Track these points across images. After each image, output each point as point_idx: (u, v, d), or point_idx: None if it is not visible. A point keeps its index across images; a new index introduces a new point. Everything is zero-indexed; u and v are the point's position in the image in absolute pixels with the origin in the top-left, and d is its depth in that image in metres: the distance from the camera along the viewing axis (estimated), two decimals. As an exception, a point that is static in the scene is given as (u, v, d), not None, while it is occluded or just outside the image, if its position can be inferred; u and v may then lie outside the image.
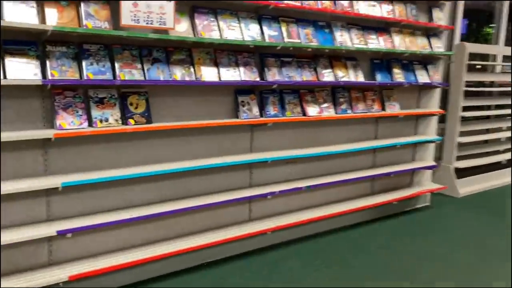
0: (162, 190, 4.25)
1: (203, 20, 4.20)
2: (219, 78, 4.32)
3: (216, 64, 4.34)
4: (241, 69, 4.48)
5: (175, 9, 3.85)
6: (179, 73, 4.08)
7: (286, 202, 5.13)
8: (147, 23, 3.72)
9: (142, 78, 3.86)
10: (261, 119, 4.63)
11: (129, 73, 3.81)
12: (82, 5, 3.56)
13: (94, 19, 3.60)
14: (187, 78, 4.11)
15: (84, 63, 3.61)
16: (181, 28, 4.09)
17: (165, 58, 4.04)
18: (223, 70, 4.36)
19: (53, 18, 3.42)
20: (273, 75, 4.70)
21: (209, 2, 4.26)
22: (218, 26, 4.28)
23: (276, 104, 4.81)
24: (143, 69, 3.90)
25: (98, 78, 3.63)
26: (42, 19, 3.40)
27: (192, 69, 4.17)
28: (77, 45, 3.63)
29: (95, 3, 3.62)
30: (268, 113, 4.72)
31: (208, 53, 4.31)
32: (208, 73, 4.25)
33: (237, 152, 4.70)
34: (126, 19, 3.62)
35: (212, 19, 4.26)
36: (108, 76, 3.69)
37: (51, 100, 3.56)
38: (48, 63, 3.45)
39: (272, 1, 4.51)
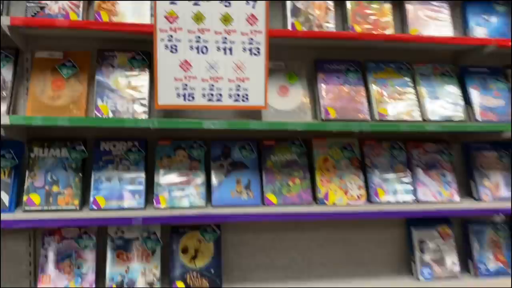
0: None
1: (334, 85, 2.14)
2: (369, 197, 2.12)
3: (363, 168, 2.17)
4: (421, 176, 2.18)
5: (268, 67, 1.92)
6: (280, 189, 2.07)
7: None
8: (209, 100, 1.88)
9: (201, 202, 1.99)
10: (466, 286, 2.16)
11: (179, 193, 1.99)
12: (98, 76, 1.97)
13: (117, 97, 1.95)
14: (297, 200, 2.06)
15: (94, 179, 1.96)
16: (289, 103, 2.11)
17: (254, 162, 2.09)
18: (377, 182, 2.15)
19: (43, 99, 1.91)
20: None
21: (350, 49, 2.20)
22: (368, 93, 2.15)
23: (500, 246, 2.27)
24: (208, 184, 2.04)
25: (112, 207, 1.91)
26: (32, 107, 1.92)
27: (308, 180, 2.10)
28: (93, 144, 2.02)
29: (123, 68, 1.99)
30: (481, 267, 2.22)
31: (347, 147, 2.18)
32: (345, 190, 2.11)
33: None
34: (165, 96, 1.85)
35: (354, 81, 2.16)
36: (137, 201, 1.95)
37: (41, 245, 1.98)
38: (28, 181, 1.91)
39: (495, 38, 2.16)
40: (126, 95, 1.96)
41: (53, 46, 1.98)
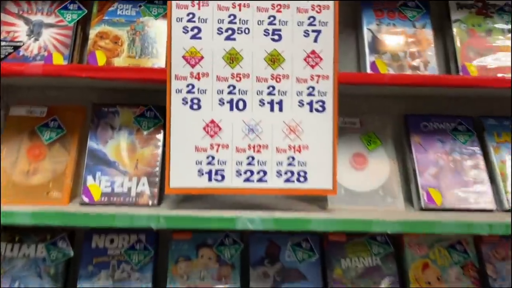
0: None
1: (437, 153, 1.42)
2: (496, 329, 1.34)
3: (483, 281, 1.40)
4: None
5: (337, 126, 1.25)
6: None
7: None
8: (248, 180, 1.23)
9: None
10: None
11: (201, 318, 1.32)
12: (92, 141, 1.38)
13: (115, 172, 1.35)
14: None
15: (79, 291, 1.34)
16: (367, 180, 1.41)
17: (314, 268, 1.39)
18: (508, 302, 1.37)
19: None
20: None
21: (459, 98, 1.49)
22: (489, 166, 1.41)
23: None
24: (244, 305, 1.36)
25: None
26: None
27: (400, 302, 1.37)
28: (83, 237, 1.41)
29: (127, 128, 1.39)
30: None
31: (456, 246, 1.43)
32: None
33: None
34: (181, 174, 1.22)
35: (466, 146, 1.44)
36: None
37: None
38: (-12, 292, 1.33)
39: None
40: (129, 169, 1.35)
41: (37, 99, 1.44)
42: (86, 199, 1.31)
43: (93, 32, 1.36)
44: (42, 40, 1.35)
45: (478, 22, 1.47)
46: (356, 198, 1.37)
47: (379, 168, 1.42)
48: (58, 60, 1.33)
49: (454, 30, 1.45)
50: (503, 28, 1.47)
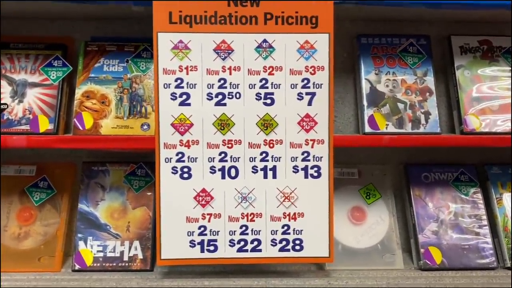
0: None
1: (438, 207, 1.37)
2: None
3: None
4: None
5: (333, 192, 1.21)
6: None
7: None
8: (241, 250, 1.20)
9: None
10: None
11: None
12: (82, 203, 1.34)
13: (108, 236, 1.32)
14: None
15: None
16: (366, 236, 1.37)
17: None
18: None
19: (7, 239, 1.32)
20: None
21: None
22: (492, 220, 1.37)
23: None
24: None
25: None
26: None
27: None
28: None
29: (118, 189, 1.36)
30: None
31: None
32: None
33: None
34: (172, 245, 1.19)
35: (469, 199, 1.39)
36: None
37: None
38: None
39: None
40: (120, 232, 1.32)
41: (25, 156, 1.40)
42: (77, 265, 1.29)
43: (79, 92, 1.31)
44: (26, 102, 1.30)
45: (483, 67, 1.39)
46: (354, 256, 1.34)
47: (378, 223, 1.38)
48: (44, 124, 1.28)
49: (458, 77, 1.38)
50: (508, 73, 1.39)
